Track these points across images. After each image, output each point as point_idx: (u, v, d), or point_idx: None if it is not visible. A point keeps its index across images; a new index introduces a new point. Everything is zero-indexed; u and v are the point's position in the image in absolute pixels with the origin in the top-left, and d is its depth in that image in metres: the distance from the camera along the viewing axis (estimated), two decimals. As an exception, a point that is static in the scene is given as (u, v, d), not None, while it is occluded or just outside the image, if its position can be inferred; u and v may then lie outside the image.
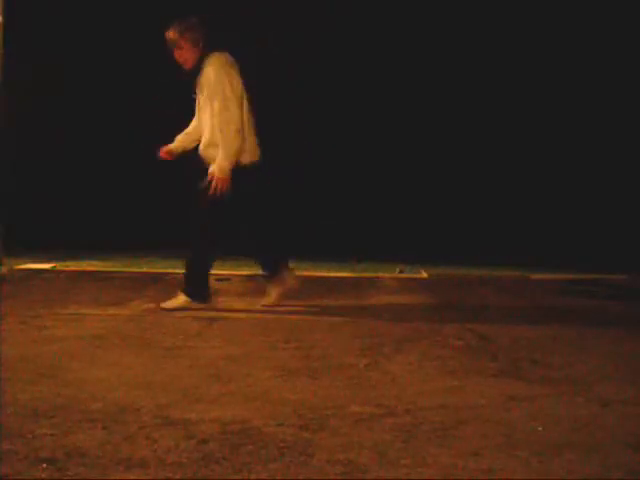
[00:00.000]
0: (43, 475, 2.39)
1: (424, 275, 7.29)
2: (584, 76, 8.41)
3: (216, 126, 5.11)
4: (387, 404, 3.19)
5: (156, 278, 6.75)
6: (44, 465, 2.45)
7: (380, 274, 7.30)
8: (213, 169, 5.13)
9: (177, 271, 7.13)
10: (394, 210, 8.53)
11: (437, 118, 8.49)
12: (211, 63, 5.15)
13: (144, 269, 7.36)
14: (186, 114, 8.55)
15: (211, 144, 5.20)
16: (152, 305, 5.46)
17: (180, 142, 5.52)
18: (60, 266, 7.29)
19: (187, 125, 5.53)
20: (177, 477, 2.39)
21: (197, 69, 5.19)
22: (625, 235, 8.08)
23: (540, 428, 2.92)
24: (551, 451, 2.67)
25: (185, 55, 5.19)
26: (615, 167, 8.43)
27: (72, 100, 8.57)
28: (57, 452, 2.56)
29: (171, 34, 5.18)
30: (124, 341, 4.31)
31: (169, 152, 5.50)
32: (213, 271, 7.10)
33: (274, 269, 5.37)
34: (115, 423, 2.87)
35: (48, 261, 7.46)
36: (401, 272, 7.43)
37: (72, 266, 7.37)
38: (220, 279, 6.57)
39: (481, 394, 3.38)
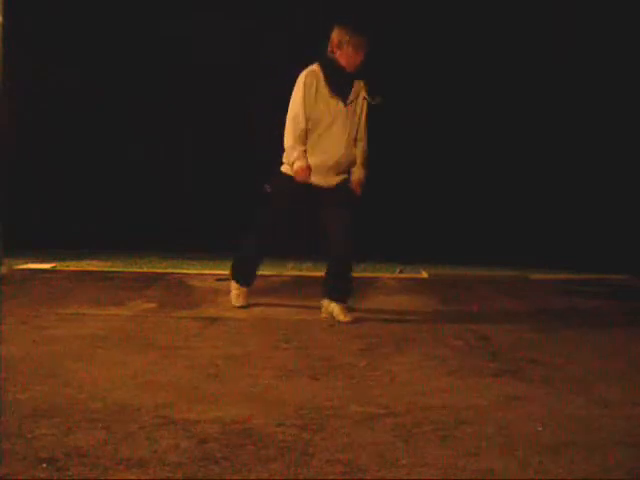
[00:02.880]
0: (43, 475, 2.39)
1: (424, 275, 7.29)
2: (584, 76, 8.41)
3: (365, 147, 5.28)
4: (387, 404, 3.19)
5: (156, 278, 6.75)
6: (44, 465, 2.45)
7: (380, 274, 7.31)
8: (358, 178, 5.27)
9: (177, 271, 7.15)
10: (394, 210, 8.53)
11: (437, 117, 8.49)
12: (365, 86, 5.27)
13: (144, 269, 7.36)
14: (185, 114, 8.54)
15: (353, 155, 5.26)
16: (152, 305, 5.47)
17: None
18: (60, 266, 7.29)
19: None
20: (177, 477, 2.40)
21: (351, 79, 5.16)
22: (625, 235, 8.07)
23: (540, 428, 2.92)
24: (551, 451, 2.67)
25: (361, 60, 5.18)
26: (615, 167, 8.43)
27: (72, 100, 8.56)
28: (57, 452, 2.56)
29: (364, 38, 5.10)
30: (124, 341, 4.31)
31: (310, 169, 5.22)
32: (213, 271, 7.14)
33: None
34: (115, 423, 2.87)
35: (48, 261, 7.46)
36: (401, 272, 7.44)
37: (72, 266, 7.37)
38: (220, 279, 6.57)
39: (481, 394, 3.38)
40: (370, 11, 7.96)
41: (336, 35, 5.07)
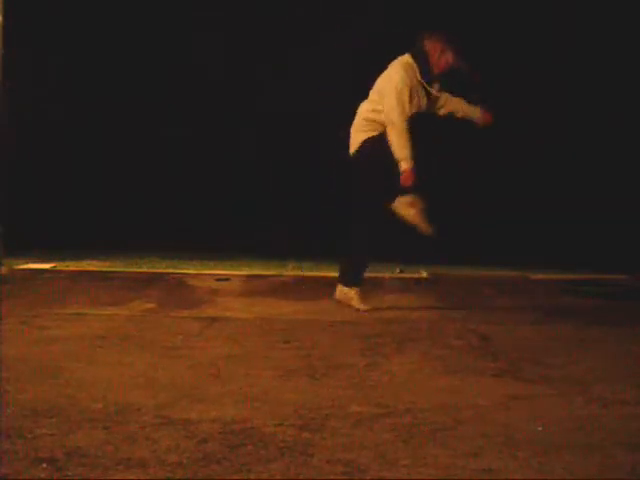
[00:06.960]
0: (43, 475, 2.38)
1: (424, 275, 7.29)
2: (583, 76, 8.41)
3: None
4: (387, 404, 3.19)
5: (156, 278, 6.74)
6: (44, 465, 2.45)
7: (380, 274, 7.30)
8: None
9: (177, 271, 7.15)
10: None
11: (435, 116, 8.47)
12: None
13: (144, 269, 7.35)
14: (185, 114, 8.53)
15: None
16: (152, 305, 5.46)
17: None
18: (60, 266, 7.29)
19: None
20: (177, 477, 2.39)
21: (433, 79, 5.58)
22: (625, 235, 8.07)
23: (540, 428, 2.92)
24: (551, 451, 2.67)
25: None
26: (615, 168, 8.43)
27: (72, 100, 8.56)
28: (57, 452, 2.56)
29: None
30: (124, 341, 4.31)
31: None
32: (213, 271, 7.14)
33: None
34: (115, 423, 2.87)
35: (48, 261, 7.46)
36: (401, 272, 7.43)
37: (72, 266, 7.37)
38: (220, 279, 6.57)
39: (481, 394, 3.38)
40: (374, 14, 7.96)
41: (444, 41, 5.47)
